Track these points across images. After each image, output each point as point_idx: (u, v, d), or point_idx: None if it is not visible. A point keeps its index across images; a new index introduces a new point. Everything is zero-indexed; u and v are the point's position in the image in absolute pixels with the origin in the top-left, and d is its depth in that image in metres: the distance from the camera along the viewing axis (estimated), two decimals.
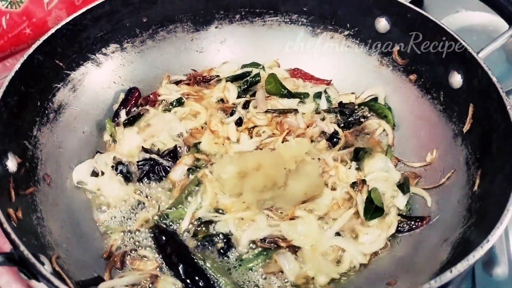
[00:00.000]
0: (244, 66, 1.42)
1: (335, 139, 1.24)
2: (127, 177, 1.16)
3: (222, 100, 1.34)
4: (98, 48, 1.29)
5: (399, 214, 1.11)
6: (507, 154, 0.97)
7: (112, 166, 1.17)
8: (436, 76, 1.22)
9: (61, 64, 1.20)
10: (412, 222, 1.08)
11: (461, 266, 0.75)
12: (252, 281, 1.01)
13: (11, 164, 0.99)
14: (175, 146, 1.21)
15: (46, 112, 1.16)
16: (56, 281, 0.72)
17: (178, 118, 1.28)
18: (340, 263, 1.03)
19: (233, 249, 1.05)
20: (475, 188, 1.02)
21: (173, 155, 1.20)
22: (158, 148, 1.21)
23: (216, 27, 1.44)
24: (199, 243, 1.06)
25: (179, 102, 1.31)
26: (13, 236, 0.78)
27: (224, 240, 1.06)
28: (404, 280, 0.96)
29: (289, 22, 1.43)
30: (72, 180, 1.14)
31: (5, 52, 1.48)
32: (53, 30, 1.15)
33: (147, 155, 1.18)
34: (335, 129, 1.25)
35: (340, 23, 1.38)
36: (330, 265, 1.03)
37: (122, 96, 1.32)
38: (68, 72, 1.22)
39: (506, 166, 0.94)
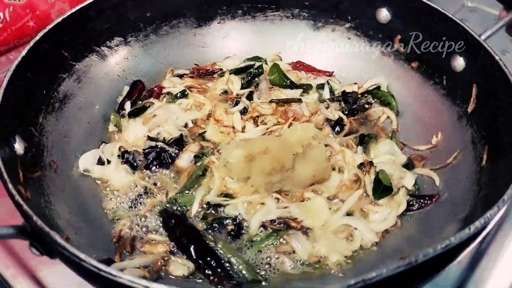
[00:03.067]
0: (246, 60, 1.44)
1: (339, 126, 1.25)
2: (133, 165, 1.15)
3: (226, 92, 1.35)
4: (103, 40, 1.30)
5: (408, 194, 1.10)
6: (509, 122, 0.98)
7: (118, 155, 1.16)
8: (438, 61, 1.24)
9: (67, 54, 1.20)
10: (422, 200, 1.08)
11: (479, 223, 0.75)
12: (264, 261, 1.00)
13: (19, 147, 0.98)
14: (181, 135, 1.21)
15: (52, 101, 1.16)
16: (73, 249, 0.70)
17: (183, 109, 1.28)
18: (351, 242, 1.03)
19: (244, 232, 1.04)
20: (483, 163, 1.03)
21: (179, 143, 1.19)
22: (164, 137, 1.21)
23: (218, 23, 1.46)
24: (209, 226, 1.04)
25: (183, 94, 1.32)
26: (25, 207, 0.76)
27: (234, 223, 1.05)
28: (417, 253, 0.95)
29: (291, 17, 1.45)
30: (78, 168, 1.13)
31: (9, 45, 1.49)
32: (59, 19, 1.16)
33: (153, 143, 1.18)
34: (339, 116, 1.26)
35: (341, 16, 1.40)
36: (342, 243, 1.02)
37: (126, 89, 1.33)
38: (73, 63, 1.23)
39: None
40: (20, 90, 1.04)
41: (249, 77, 1.37)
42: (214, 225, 1.04)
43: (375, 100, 1.31)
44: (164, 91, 1.34)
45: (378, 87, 1.34)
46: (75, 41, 1.22)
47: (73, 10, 1.19)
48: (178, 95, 1.32)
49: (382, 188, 1.08)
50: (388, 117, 1.29)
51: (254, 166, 1.08)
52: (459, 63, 1.18)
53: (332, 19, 1.41)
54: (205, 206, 1.08)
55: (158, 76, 1.39)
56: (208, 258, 0.97)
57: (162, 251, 1.00)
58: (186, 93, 1.32)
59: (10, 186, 0.79)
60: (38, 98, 1.11)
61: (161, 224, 1.06)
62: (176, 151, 1.17)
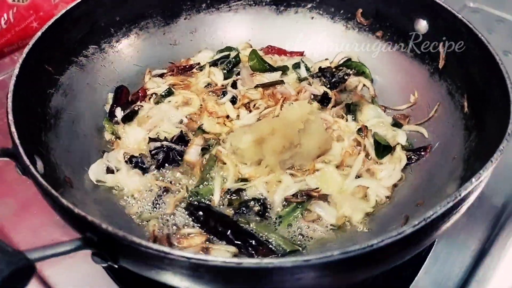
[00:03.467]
0: (218, 51, 1.47)
1: (326, 100, 1.33)
2: (143, 168, 1.16)
3: (209, 85, 1.38)
4: (79, 50, 1.27)
5: (404, 150, 1.22)
6: (486, 73, 1.11)
7: (126, 161, 1.16)
8: (401, 27, 1.35)
9: (51, 68, 1.17)
10: (418, 152, 1.19)
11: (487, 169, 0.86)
12: (297, 232, 1.06)
13: (40, 166, 0.95)
14: (181, 132, 1.22)
15: (47, 118, 1.13)
16: (156, 246, 0.72)
17: (174, 107, 1.30)
18: (367, 200, 1.12)
19: (269, 210, 1.10)
20: (465, 110, 1.16)
21: (182, 140, 1.21)
22: (165, 137, 1.22)
23: (185, 18, 1.48)
24: (236, 211, 1.09)
25: (170, 93, 1.33)
26: (90, 218, 0.76)
27: (259, 203, 1.09)
28: (429, 199, 1.07)
29: (253, 4, 1.51)
30: (90, 180, 1.12)
31: (13, 45, 1.53)
32: (38, 34, 1.12)
33: (158, 143, 1.19)
34: (324, 91, 1.34)
35: None
36: (361, 203, 1.11)
37: (110, 96, 1.32)
38: (57, 76, 1.19)
39: (492, 80, 1.07)
40: (20, 110, 1.00)
41: (229, 67, 1.41)
42: (241, 208, 1.09)
43: (352, 71, 1.40)
44: (149, 92, 1.34)
45: (349, 59, 1.44)
46: (55, 54, 1.19)
47: (49, 23, 1.16)
48: (165, 94, 1.33)
49: (382, 148, 1.18)
50: (364, 85, 1.39)
51: (265, 147, 1.14)
52: (422, 25, 1.30)
53: (294, 1, 1.49)
54: (228, 193, 1.11)
55: (137, 79, 1.39)
56: (247, 239, 1.02)
57: (200, 242, 1.02)
58: (171, 91, 1.33)
59: (63, 201, 0.78)
60: (35, 116, 1.08)
61: (189, 218, 1.08)
62: (182, 147, 1.19)
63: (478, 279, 1.10)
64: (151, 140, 1.20)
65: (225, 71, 1.40)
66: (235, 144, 1.16)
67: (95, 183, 1.12)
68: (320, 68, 1.42)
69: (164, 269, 0.75)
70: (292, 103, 1.26)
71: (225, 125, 1.27)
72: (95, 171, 1.13)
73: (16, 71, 1.03)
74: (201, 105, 1.31)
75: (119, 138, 1.23)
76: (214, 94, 1.35)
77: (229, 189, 1.12)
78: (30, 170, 0.83)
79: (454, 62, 1.23)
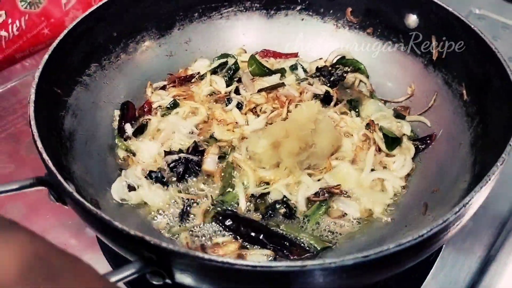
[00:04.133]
0: (215, 59, 1.49)
1: (328, 99, 1.37)
2: (164, 182, 1.17)
3: (213, 94, 1.40)
4: (82, 70, 1.26)
5: (410, 140, 1.28)
6: (483, 62, 1.18)
7: (146, 177, 1.16)
8: (391, 23, 1.41)
9: (59, 91, 1.16)
10: (424, 141, 1.25)
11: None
12: (326, 229, 1.10)
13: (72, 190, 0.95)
14: (195, 142, 1.24)
15: (63, 141, 1.11)
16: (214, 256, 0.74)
17: (182, 118, 1.31)
18: (386, 191, 1.17)
19: (295, 210, 1.13)
20: (465, 97, 1.23)
21: (197, 150, 1.23)
22: (179, 149, 1.23)
23: (178, 29, 1.48)
24: (263, 215, 1.11)
25: (175, 104, 1.34)
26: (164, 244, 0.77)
27: (284, 205, 1.13)
28: (444, 184, 1.13)
29: (244, 10, 1.53)
30: (113, 199, 1.12)
31: (24, 52, 1.58)
32: (46, 57, 1.11)
33: (175, 156, 1.19)
34: (326, 90, 1.38)
35: (290, 0, 1.52)
36: (380, 195, 1.16)
37: (116, 112, 1.31)
38: (65, 98, 1.18)
39: (490, 69, 1.15)
40: (43, 137, 0.99)
41: (230, 74, 1.43)
42: (268, 212, 1.11)
43: (350, 68, 1.45)
44: (154, 106, 1.34)
45: (343, 57, 1.49)
46: (61, 76, 1.17)
47: (53, 45, 1.14)
48: (170, 106, 1.33)
49: (391, 140, 1.24)
50: (361, 81, 1.44)
51: (282, 150, 1.17)
52: (413, 20, 1.36)
53: (283, 4, 1.52)
54: (252, 199, 1.14)
55: (139, 93, 1.39)
56: (280, 241, 1.05)
57: (234, 249, 1.05)
58: (177, 103, 1.34)
59: (117, 225, 0.78)
60: (54, 141, 1.07)
61: (218, 227, 1.10)
62: (199, 157, 1.20)
63: (485, 285, 1.13)
64: (167, 153, 1.21)
65: (226, 78, 1.42)
66: (252, 149, 1.19)
67: (120, 201, 1.12)
68: (317, 68, 1.46)
69: (226, 280, 0.77)
70: (299, 105, 1.29)
71: (234, 131, 1.29)
72: (117, 190, 1.13)
73: (32, 96, 1.02)
74: (208, 114, 1.33)
75: (133, 154, 1.23)
76: (219, 102, 1.37)
77: (253, 195, 1.14)
78: (75, 197, 0.83)
79: (448, 53, 1.30)
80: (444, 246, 1.18)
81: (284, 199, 1.14)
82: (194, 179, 1.19)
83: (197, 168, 1.19)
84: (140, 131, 1.27)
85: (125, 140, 1.26)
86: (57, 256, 0.51)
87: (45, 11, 1.54)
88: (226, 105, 1.35)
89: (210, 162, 1.20)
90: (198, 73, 1.44)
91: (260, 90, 1.38)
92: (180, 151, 1.22)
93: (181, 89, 1.39)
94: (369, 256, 0.74)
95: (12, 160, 1.38)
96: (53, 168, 0.87)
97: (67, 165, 1.07)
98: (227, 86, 1.41)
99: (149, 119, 1.30)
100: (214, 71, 1.43)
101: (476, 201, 0.87)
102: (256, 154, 1.18)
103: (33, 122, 0.96)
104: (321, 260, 0.73)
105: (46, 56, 1.11)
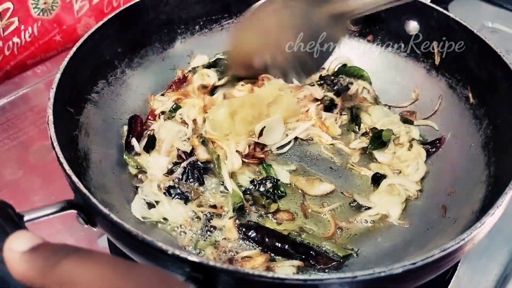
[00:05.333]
0: (216, 55, 1.51)
1: (331, 107, 1.39)
2: (185, 197, 1.15)
3: (204, 87, 1.41)
4: (90, 87, 1.24)
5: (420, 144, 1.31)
6: (488, 66, 1.22)
7: (164, 193, 1.15)
8: (392, 29, 1.44)
9: (72, 110, 1.13)
10: (434, 144, 1.28)
11: None
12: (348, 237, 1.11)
13: None
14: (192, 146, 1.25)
15: (79, 161, 1.09)
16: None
17: (177, 122, 1.31)
18: (401, 196, 1.19)
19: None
20: (471, 100, 1.26)
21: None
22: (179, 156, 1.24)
23: (180, 42, 1.48)
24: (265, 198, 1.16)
25: (177, 107, 1.35)
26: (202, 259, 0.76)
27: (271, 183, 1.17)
28: (459, 186, 1.16)
29: None
30: (134, 218, 1.10)
31: (36, 58, 1.59)
32: (58, 76, 1.09)
33: (179, 170, 1.19)
34: (331, 97, 1.40)
35: None
36: (396, 199, 1.17)
37: (125, 128, 1.29)
38: (77, 117, 1.16)
39: (496, 73, 1.19)
40: (64, 159, 0.97)
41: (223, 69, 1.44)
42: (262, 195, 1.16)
43: (354, 78, 1.47)
44: (156, 112, 1.35)
45: (345, 65, 1.51)
46: (72, 94, 1.15)
47: (64, 63, 1.12)
48: (172, 109, 1.34)
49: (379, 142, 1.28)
50: (363, 88, 1.47)
51: (236, 117, 1.23)
52: (413, 26, 1.40)
53: None
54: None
55: (146, 107, 1.37)
56: (307, 250, 1.05)
57: (262, 262, 1.04)
58: (178, 106, 1.35)
59: (161, 245, 0.77)
60: (73, 162, 1.04)
61: (242, 239, 1.09)
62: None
63: None
64: (175, 164, 1.21)
65: (219, 73, 1.43)
66: (212, 117, 1.25)
67: (141, 220, 1.10)
68: (320, 77, 1.47)
69: None
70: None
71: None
72: (137, 208, 1.11)
73: (51, 117, 0.99)
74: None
75: (144, 171, 1.21)
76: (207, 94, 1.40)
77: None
78: (112, 219, 0.81)
79: (450, 58, 1.33)
80: (459, 264, 1.18)
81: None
82: (214, 190, 1.18)
83: (201, 165, 1.20)
84: (151, 145, 1.25)
85: (135, 155, 1.24)
86: (137, 268, 0.52)
87: (57, 18, 1.56)
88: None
89: (200, 152, 1.21)
90: (194, 68, 1.44)
91: (240, 79, 1.40)
92: (181, 159, 1.22)
93: (179, 92, 1.39)
94: (416, 263, 0.75)
95: (20, 167, 1.39)
96: (84, 190, 0.85)
97: (86, 184, 1.04)
98: (220, 79, 1.42)
99: (153, 129, 1.30)
100: (208, 66, 1.44)
101: None
102: (217, 122, 1.23)
103: (56, 144, 0.94)
104: (371, 270, 0.74)
105: (58, 75, 1.09)
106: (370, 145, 1.28)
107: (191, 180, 1.18)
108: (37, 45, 1.58)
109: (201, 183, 1.18)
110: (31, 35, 1.54)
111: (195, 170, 1.18)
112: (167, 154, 1.24)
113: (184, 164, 1.19)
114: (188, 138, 1.27)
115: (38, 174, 1.38)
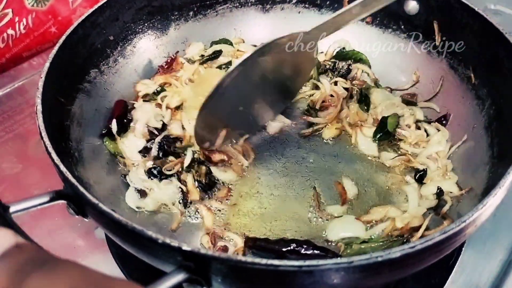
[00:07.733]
0: (213, 43, 1.47)
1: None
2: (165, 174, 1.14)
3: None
4: (82, 76, 1.22)
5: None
6: (490, 45, 1.17)
7: (149, 177, 1.13)
8: (391, 10, 1.40)
9: (63, 100, 1.11)
10: (440, 122, 1.25)
11: None
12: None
13: None
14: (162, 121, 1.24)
15: (71, 152, 1.07)
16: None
17: (155, 106, 1.28)
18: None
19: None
20: (473, 80, 1.23)
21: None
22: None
23: (174, 29, 1.45)
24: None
25: (162, 90, 1.32)
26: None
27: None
28: (461, 168, 1.12)
29: (239, 6, 1.50)
30: (128, 209, 1.08)
31: (31, 50, 1.57)
32: (47, 65, 1.06)
33: (155, 149, 1.18)
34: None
35: None
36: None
37: None
38: (69, 107, 1.13)
39: (499, 51, 1.14)
40: (56, 148, 0.94)
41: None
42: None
43: (351, 60, 1.43)
44: (140, 94, 1.32)
45: (343, 48, 1.47)
46: (63, 84, 1.13)
47: (53, 52, 1.09)
48: (156, 92, 1.31)
49: (384, 132, 1.24)
50: (363, 71, 1.43)
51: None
52: (413, 6, 1.35)
53: None
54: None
55: None
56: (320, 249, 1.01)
57: None
58: (163, 89, 1.32)
59: (152, 235, 0.75)
60: (64, 153, 1.02)
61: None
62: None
63: None
64: (148, 141, 1.20)
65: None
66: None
67: (136, 209, 1.08)
68: (320, 64, 1.44)
69: (268, 282, 0.75)
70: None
71: None
72: (132, 199, 1.09)
73: (39, 107, 0.97)
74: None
75: (122, 156, 1.19)
76: None
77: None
78: (101, 208, 0.79)
79: (451, 37, 1.29)
80: (463, 249, 1.15)
81: None
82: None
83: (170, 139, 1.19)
84: (125, 127, 1.23)
85: (113, 140, 1.21)
86: (107, 281, 0.50)
87: (52, 9, 1.53)
88: None
89: (174, 127, 1.21)
90: (189, 59, 1.41)
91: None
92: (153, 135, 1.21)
93: (166, 76, 1.36)
94: (415, 246, 0.72)
95: (19, 160, 1.38)
96: (73, 180, 0.83)
97: (80, 176, 1.02)
98: None
99: (132, 105, 1.28)
100: (205, 61, 1.41)
101: None
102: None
103: (44, 134, 0.91)
104: (368, 255, 0.71)
105: (47, 64, 1.06)
106: (377, 135, 1.24)
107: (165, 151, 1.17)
108: (32, 37, 1.55)
109: (178, 156, 1.17)
110: (26, 27, 1.52)
111: (171, 145, 1.18)
112: (142, 136, 1.22)
113: (158, 139, 1.18)
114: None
115: (37, 167, 1.36)
